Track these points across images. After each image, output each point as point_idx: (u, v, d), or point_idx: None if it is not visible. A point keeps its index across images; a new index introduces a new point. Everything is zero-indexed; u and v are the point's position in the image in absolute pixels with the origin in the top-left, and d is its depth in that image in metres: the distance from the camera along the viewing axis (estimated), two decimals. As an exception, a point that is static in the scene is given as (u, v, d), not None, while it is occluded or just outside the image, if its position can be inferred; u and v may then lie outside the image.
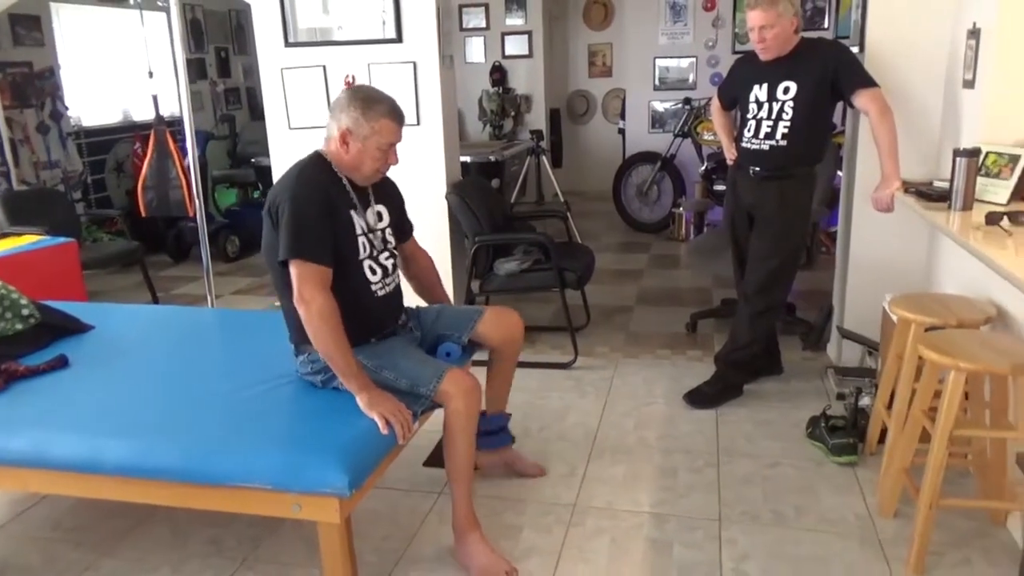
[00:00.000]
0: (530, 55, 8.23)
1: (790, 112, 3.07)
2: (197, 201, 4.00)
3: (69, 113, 6.15)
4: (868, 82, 3.00)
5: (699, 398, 3.35)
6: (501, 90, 8.21)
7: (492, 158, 5.81)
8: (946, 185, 2.62)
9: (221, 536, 2.51)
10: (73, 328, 2.88)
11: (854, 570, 2.25)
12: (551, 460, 2.92)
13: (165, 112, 4.65)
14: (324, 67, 3.98)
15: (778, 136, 3.11)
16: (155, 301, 4.88)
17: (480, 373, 2.55)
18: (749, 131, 3.20)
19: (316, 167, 2.28)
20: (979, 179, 2.58)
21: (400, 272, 2.55)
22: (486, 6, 8.17)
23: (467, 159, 5.40)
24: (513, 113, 8.24)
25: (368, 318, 2.34)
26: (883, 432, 2.75)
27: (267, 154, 4.30)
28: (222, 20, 7.83)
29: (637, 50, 7.53)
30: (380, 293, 2.36)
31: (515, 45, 8.23)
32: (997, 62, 2.66)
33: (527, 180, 7.06)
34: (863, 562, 2.29)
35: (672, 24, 7.35)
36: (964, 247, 2.31)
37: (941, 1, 3.14)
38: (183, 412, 2.21)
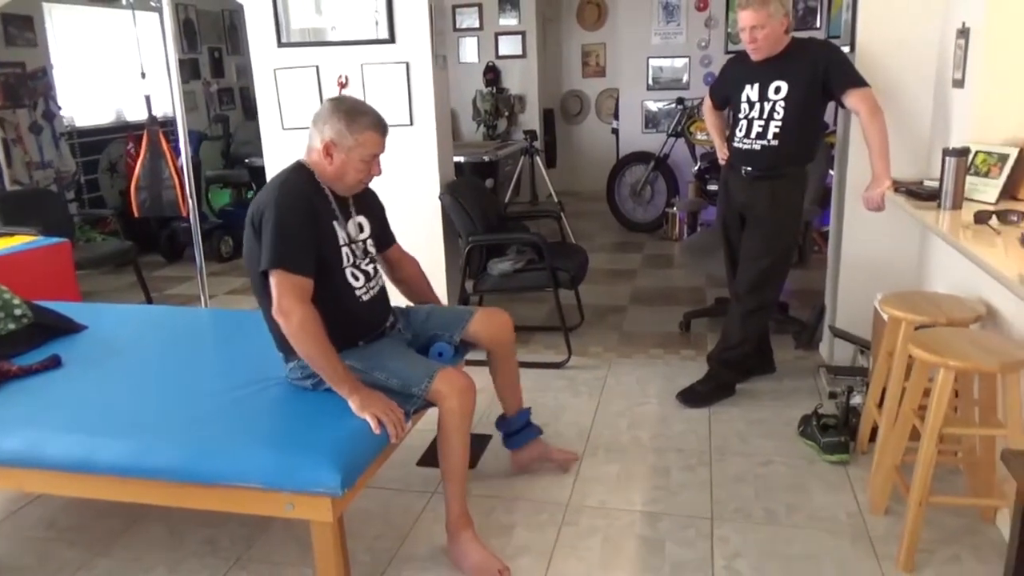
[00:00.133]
0: (524, 55, 8.24)
1: (781, 112, 3.09)
2: (190, 201, 4.00)
3: (62, 113, 6.14)
4: (858, 82, 3.01)
5: (692, 397, 3.36)
6: (495, 90, 8.22)
7: (486, 158, 5.81)
8: (936, 184, 2.64)
9: (215, 536, 2.51)
10: (66, 328, 2.88)
11: (845, 567, 2.27)
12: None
13: (158, 112, 4.66)
14: (317, 67, 3.98)
15: (769, 136, 3.12)
16: (149, 301, 4.87)
17: (481, 374, 2.56)
18: (741, 131, 3.21)
19: (299, 177, 2.27)
20: (968, 178, 2.59)
21: (384, 276, 2.55)
22: (479, 6, 8.17)
23: (461, 159, 5.40)
24: (507, 113, 8.24)
25: (355, 323, 2.35)
26: (874, 430, 2.76)
27: (261, 154, 4.30)
28: (215, 20, 7.82)
29: (630, 50, 7.55)
30: (365, 298, 2.37)
31: (509, 45, 8.24)
32: (986, 61, 2.67)
33: (521, 180, 7.06)
34: (854, 559, 2.30)
35: (665, 24, 7.37)
36: (953, 246, 2.33)
37: (931, 1, 3.15)
38: (177, 412, 2.21)
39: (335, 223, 2.30)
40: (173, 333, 3.00)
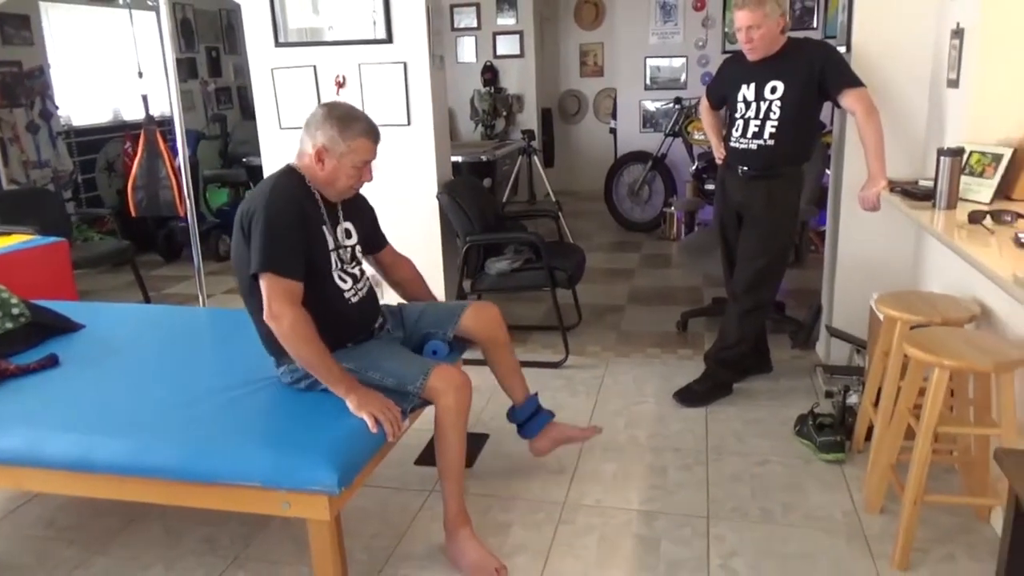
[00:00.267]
0: (521, 55, 8.24)
1: (777, 112, 3.10)
2: (188, 201, 4.00)
3: (59, 112, 6.13)
4: (854, 82, 3.02)
5: (689, 397, 3.37)
6: (493, 90, 8.22)
7: (484, 158, 5.82)
8: (931, 184, 2.65)
9: (213, 534, 2.52)
10: (64, 327, 2.89)
11: (840, 566, 2.28)
12: (542, 458, 2.93)
13: (155, 111, 4.65)
14: (314, 67, 3.98)
15: (766, 135, 3.13)
16: (146, 300, 4.87)
17: (477, 374, 2.56)
18: (737, 131, 3.22)
19: (290, 181, 2.27)
20: (963, 178, 2.60)
21: (369, 279, 2.54)
22: (477, 6, 8.17)
23: (458, 159, 5.41)
24: (505, 113, 8.25)
25: (345, 324, 2.35)
26: (870, 429, 2.77)
27: (258, 154, 4.30)
28: (212, 19, 7.81)
29: (628, 50, 7.55)
30: (354, 300, 2.37)
31: (506, 45, 8.24)
32: (980, 62, 2.68)
33: (519, 180, 7.07)
34: (849, 558, 2.31)
35: (662, 24, 7.38)
36: (948, 246, 2.34)
37: (926, 1, 3.16)
38: (174, 411, 2.21)
39: (324, 228, 2.30)
40: (171, 332, 3.00)
